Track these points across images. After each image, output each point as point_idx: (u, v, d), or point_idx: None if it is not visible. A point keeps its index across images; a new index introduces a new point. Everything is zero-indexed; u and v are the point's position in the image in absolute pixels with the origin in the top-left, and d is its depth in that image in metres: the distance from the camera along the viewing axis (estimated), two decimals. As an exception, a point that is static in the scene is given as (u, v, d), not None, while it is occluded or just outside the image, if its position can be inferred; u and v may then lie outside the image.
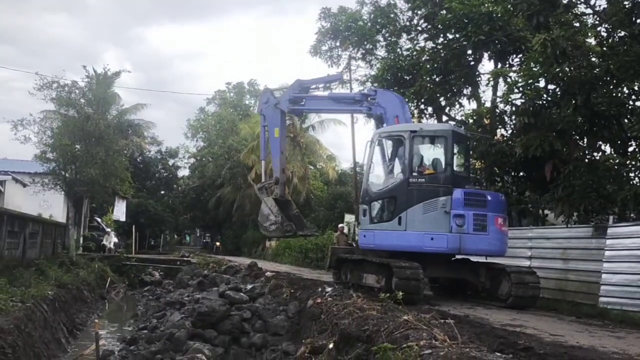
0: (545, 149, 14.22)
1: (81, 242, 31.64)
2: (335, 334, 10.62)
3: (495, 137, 18.05)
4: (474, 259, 13.90)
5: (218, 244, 55.20)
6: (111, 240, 35.48)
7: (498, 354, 6.73)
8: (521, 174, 17.81)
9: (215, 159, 50.31)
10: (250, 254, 42.66)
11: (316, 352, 10.83)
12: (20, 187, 29.84)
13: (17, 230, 17.99)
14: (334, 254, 16.88)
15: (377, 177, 14.65)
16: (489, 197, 13.28)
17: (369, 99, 15.37)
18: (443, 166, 13.39)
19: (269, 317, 14.52)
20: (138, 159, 53.83)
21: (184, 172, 69.01)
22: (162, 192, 61.92)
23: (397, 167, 14.03)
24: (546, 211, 17.40)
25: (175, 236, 76.22)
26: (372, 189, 14.56)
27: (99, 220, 40.37)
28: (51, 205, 28.30)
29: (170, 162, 64.75)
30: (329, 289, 14.01)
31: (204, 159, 58.38)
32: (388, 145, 14.41)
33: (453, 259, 13.72)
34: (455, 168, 13.75)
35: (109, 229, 37.03)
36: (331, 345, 10.44)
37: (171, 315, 15.62)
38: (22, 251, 18.71)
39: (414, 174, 13.51)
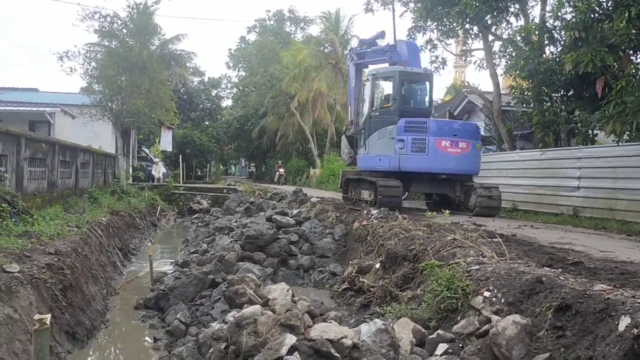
0: (597, 64, 13.68)
1: (131, 172, 32.40)
2: (381, 254, 10.74)
3: (544, 55, 17.42)
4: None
5: (282, 170, 46.46)
6: (160, 170, 36.22)
7: (547, 268, 6.70)
8: (571, 92, 17.25)
9: (257, 88, 50.11)
10: (295, 182, 43.01)
11: (363, 272, 11.01)
12: (69, 119, 30.46)
13: (69, 160, 18.48)
14: (343, 176, 19.59)
15: (362, 112, 17.74)
16: (432, 124, 15.39)
17: (392, 49, 17.66)
18: (391, 101, 16.22)
19: (315, 240, 14.76)
20: (181, 90, 54.09)
21: (227, 103, 69.28)
22: (207, 122, 62.40)
23: (367, 104, 17.17)
24: (596, 130, 16.90)
25: (221, 166, 77.17)
26: (359, 121, 18.04)
27: (146, 150, 41.16)
28: (100, 136, 28.85)
29: (213, 92, 65.00)
30: (374, 212, 14.08)
31: (246, 89, 58.25)
32: (367, 85, 17.22)
33: (440, 178, 16.03)
34: (413, 103, 16.77)
35: (157, 159, 37.75)
36: (378, 265, 10.58)
37: (220, 240, 16.00)
38: (74, 180, 19.27)
39: (373, 108, 16.72)
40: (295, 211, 17.42)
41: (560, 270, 6.62)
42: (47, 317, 2.79)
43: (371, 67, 18.44)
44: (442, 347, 6.12)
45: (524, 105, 19.39)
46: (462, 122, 17.65)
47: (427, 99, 17.04)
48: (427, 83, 16.91)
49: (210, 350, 6.47)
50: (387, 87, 16.75)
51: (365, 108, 17.25)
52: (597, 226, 12.85)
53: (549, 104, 18.21)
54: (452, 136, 15.17)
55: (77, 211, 15.45)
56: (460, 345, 6.07)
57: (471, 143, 15.35)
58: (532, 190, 17.11)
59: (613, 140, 14.23)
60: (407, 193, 19.27)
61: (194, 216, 27.83)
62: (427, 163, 15.05)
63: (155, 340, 9.01)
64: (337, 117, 44.14)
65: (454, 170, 15.51)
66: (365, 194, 16.55)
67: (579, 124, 17.40)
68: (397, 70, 16.30)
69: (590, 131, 17.06)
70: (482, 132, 24.69)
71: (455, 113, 28.42)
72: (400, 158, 15.14)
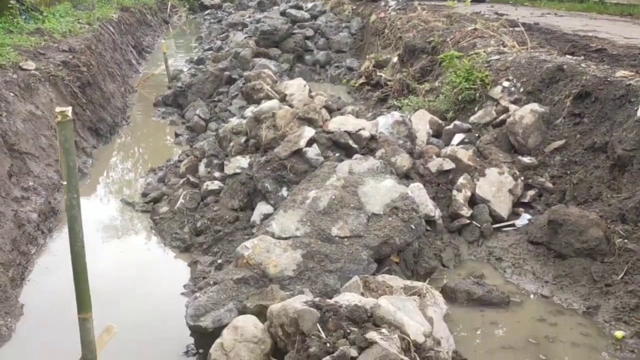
0: None
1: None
2: (399, 47, 10.57)
3: None
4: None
5: None
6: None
7: (569, 56, 6.56)
8: None
9: None
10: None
11: (380, 66, 10.91)
12: None
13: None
14: None
15: None
16: None
17: None
18: None
19: (331, 35, 14.45)
20: None
21: None
22: None
23: None
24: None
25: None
26: None
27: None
28: None
29: None
30: (392, 3, 13.59)
31: None
32: None
33: None
34: None
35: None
36: (395, 59, 10.45)
37: (234, 36, 15.73)
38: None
39: None
40: (310, 5, 16.83)
41: (582, 57, 6.49)
42: (69, 109, 2.80)
43: None
44: (458, 137, 6.23)
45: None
46: None
47: None
48: None
49: (231, 144, 6.63)
50: None
51: None
52: (623, 13, 12.32)
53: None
54: None
55: (87, 7, 15.06)
56: (477, 135, 6.15)
57: None
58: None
59: None
60: None
61: (206, 12, 27.11)
62: None
63: (177, 135, 9.24)
64: None
65: None
66: None
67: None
68: None
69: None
70: None
71: None
72: None
